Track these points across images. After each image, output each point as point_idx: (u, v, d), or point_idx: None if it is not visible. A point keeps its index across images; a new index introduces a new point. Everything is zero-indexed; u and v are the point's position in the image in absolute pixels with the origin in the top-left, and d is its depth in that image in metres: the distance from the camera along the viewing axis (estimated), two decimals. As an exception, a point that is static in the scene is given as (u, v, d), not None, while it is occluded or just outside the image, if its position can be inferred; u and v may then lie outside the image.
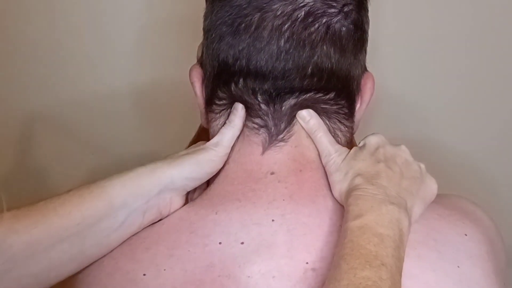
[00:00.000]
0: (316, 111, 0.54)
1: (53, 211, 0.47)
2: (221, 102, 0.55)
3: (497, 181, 0.95)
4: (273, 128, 0.54)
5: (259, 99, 0.53)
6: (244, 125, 0.55)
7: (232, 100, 0.54)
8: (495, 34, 0.90)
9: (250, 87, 0.53)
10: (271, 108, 0.53)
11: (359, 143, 0.56)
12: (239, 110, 0.54)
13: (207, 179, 0.55)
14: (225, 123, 0.55)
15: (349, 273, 0.43)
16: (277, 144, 0.54)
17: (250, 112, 0.54)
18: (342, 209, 0.51)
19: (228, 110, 0.55)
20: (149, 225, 0.53)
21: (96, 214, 0.49)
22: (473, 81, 0.93)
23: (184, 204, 0.55)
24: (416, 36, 0.91)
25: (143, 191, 0.51)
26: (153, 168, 0.52)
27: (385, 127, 0.91)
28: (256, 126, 0.54)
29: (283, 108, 0.53)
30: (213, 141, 0.54)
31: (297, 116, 0.54)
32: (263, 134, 0.54)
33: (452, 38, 0.91)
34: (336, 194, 0.52)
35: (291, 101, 0.53)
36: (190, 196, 0.57)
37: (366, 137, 0.56)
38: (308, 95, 0.53)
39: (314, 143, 0.54)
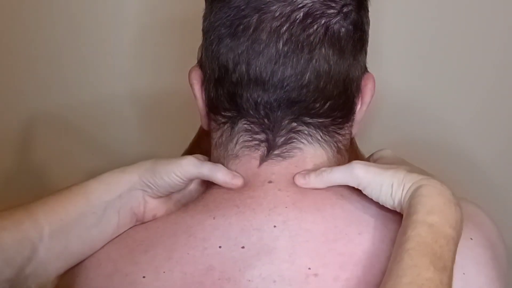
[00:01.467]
0: (312, 126, 0.53)
1: (35, 208, 0.50)
2: (226, 113, 0.54)
3: (499, 182, 0.95)
4: (272, 143, 0.54)
5: (261, 113, 0.53)
6: (243, 145, 0.54)
7: (237, 114, 0.54)
8: (497, 34, 0.90)
9: (253, 100, 0.52)
10: (272, 123, 0.53)
11: (371, 155, 0.57)
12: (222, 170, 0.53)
13: (171, 192, 0.55)
14: (224, 137, 0.55)
15: (413, 270, 0.43)
16: (274, 158, 0.54)
17: (253, 128, 0.54)
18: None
19: (230, 124, 0.54)
20: (144, 228, 0.54)
21: (77, 209, 0.51)
22: (474, 81, 0.92)
23: (170, 209, 0.56)
24: (417, 36, 0.91)
25: (116, 186, 0.53)
26: (124, 167, 0.54)
27: (386, 128, 0.91)
28: (257, 142, 0.54)
29: (282, 123, 0.53)
30: (195, 162, 0.53)
31: (295, 182, 0.52)
32: (262, 148, 0.54)
33: (453, 38, 0.91)
34: (395, 204, 0.49)
35: (290, 116, 0.53)
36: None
37: (378, 151, 0.57)
38: (305, 110, 0.52)
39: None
